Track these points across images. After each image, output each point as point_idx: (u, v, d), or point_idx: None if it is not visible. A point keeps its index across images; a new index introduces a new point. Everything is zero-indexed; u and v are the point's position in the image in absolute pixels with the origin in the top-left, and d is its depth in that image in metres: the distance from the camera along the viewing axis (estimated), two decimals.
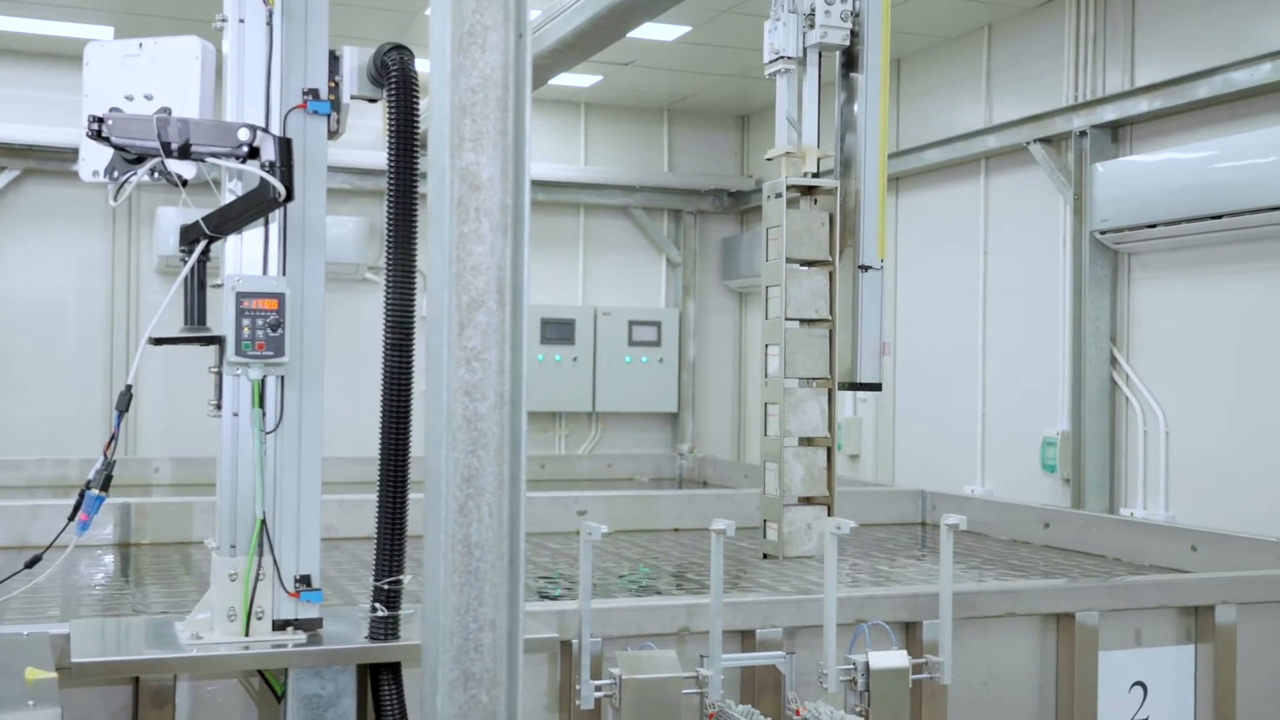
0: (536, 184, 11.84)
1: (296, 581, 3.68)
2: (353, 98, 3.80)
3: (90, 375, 11.32)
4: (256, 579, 3.62)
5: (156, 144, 3.39)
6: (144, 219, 11.47)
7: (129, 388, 3.54)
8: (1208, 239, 7.75)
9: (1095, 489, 8.44)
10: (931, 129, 10.18)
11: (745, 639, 4.45)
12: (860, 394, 10.12)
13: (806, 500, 5.07)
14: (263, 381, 3.64)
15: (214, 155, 3.45)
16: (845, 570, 5.96)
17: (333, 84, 3.75)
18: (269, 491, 3.65)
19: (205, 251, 3.62)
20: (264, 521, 3.63)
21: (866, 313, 5.59)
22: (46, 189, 11.15)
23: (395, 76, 3.59)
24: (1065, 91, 8.90)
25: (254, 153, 3.44)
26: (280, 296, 3.58)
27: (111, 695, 3.78)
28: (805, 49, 5.71)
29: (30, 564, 3.67)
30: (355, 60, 3.78)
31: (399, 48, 3.64)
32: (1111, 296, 8.54)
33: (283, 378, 3.67)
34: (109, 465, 3.51)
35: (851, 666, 4.32)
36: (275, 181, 3.42)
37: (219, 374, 3.68)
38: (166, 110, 3.57)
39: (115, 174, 3.57)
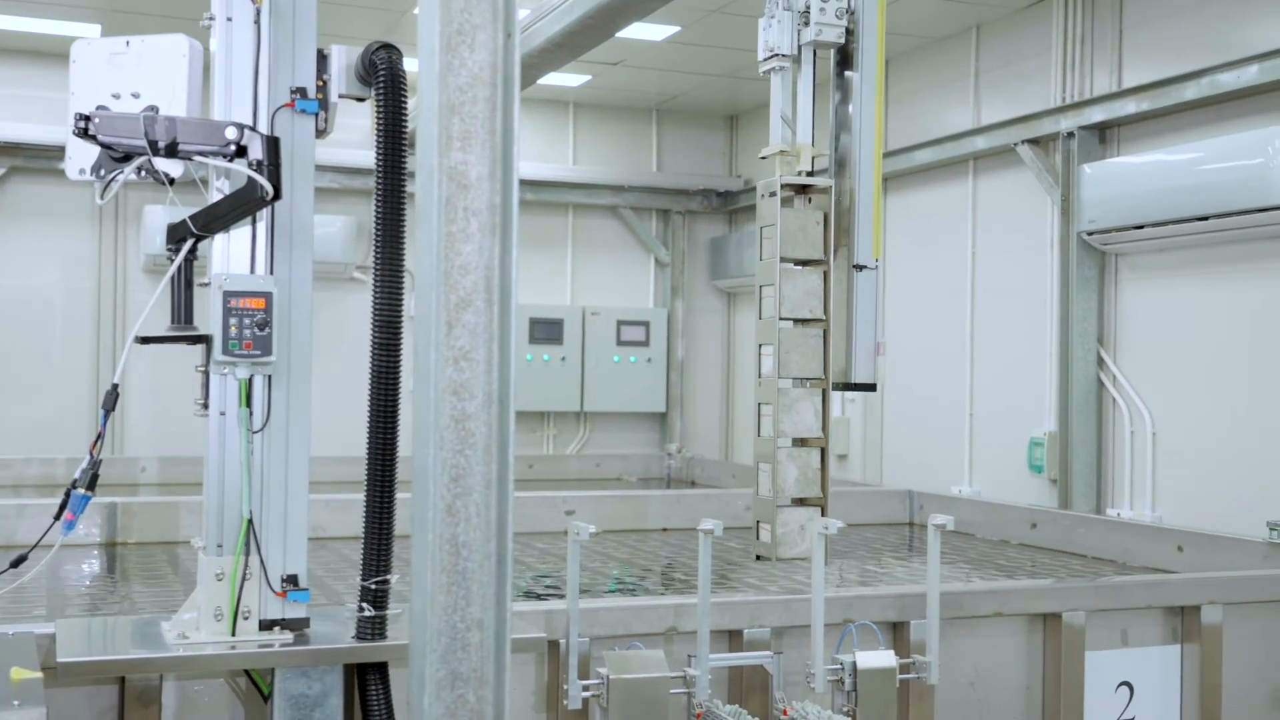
0: (525, 183, 11.83)
1: (283, 581, 3.67)
2: (341, 96, 3.79)
3: (77, 374, 11.29)
4: (243, 578, 3.61)
5: (144, 142, 3.38)
6: (131, 217, 11.44)
7: (116, 386, 3.53)
8: (1195, 240, 7.78)
9: (1082, 489, 8.46)
10: (920, 130, 10.20)
11: (733, 639, 4.45)
12: (848, 394, 10.12)
13: (800, 501, 5.05)
14: (250, 381, 3.63)
15: (201, 154, 3.45)
16: (833, 570, 5.97)
17: (321, 83, 3.75)
18: (256, 491, 3.64)
19: (192, 250, 3.61)
20: (251, 521, 3.62)
21: (861, 312, 5.57)
22: (33, 187, 11.12)
23: (383, 75, 3.58)
24: (1053, 93, 8.93)
25: (241, 151, 3.44)
26: (267, 295, 3.57)
27: (97, 695, 3.77)
28: (800, 46, 5.69)
29: (16, 563, 3.66)
30: (343, 59, 3.78)
31: (387, 46, 3.64)
32: (1099, 297, 8.56)
33: (270, 377, 3.67)
34: (95, 464, 3.50)
35: (839, 666, 4.33)
36: (263, 180, 3.42)
37: (206, 373, 3.67)
38: (154, 108, 3.56)
39: (102, 172, 3.56)
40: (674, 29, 10.14)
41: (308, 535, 3.75)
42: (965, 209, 9.94)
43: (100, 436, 3.50)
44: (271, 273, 3.67)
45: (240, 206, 3.53)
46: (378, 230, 3.59)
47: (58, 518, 3.49)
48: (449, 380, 2.63)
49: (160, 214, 10.82)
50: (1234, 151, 7.26)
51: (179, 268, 3.61)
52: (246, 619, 3.62)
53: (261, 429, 3.66)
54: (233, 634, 3.60)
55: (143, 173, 3.51)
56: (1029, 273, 9.21)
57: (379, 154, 3.57)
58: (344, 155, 11.03)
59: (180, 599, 4.29)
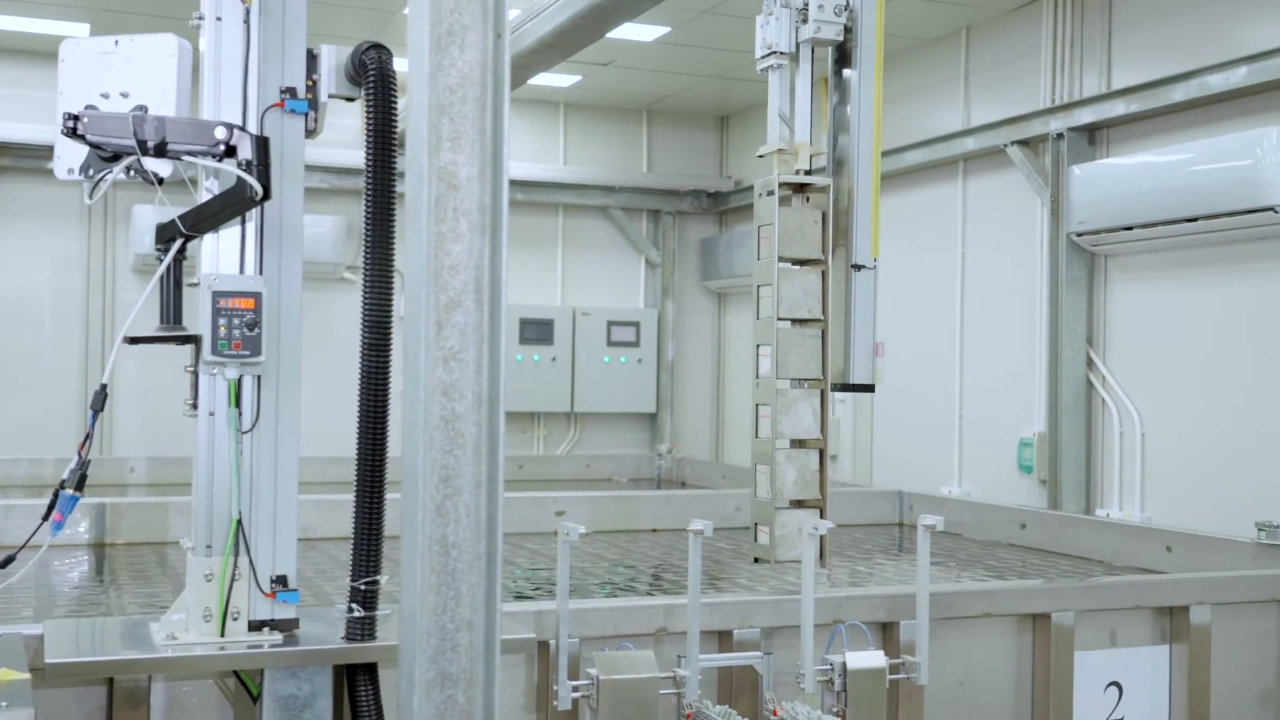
0: (515, 184, 11.82)
1: (273, 582, 3.66)
2: (330, 96, 3.78)
3: (65, 374, 11.26)
4: (232, 579, 3.61)
5: (132, 142, 3.37)
6: (120, 217, 11.41)
7: (104, 387, 3.52)
8: (1184, 241, 7.80)
9: (1071, 490, 8.48)
10: (910, 131, 10.21)
11: (723, 639, 4.45)
12: (838, 394, 10.13)
13: (798, 503, 5.03)
14: (239, 381, 3.63)
15: (190, 154, 3.44)
16: (822, 571, 5.97)
17: (310, 82, 3.74)
18: (245, 491, 3.64)
19: (181, 250, 3.60)
20: (240, 522, 3.61)
21: (859, 313, 5.54)
22: (21, 187, 11.08)
23: (373, 75, 3.57)
24: (1043, 94, 8.95)
25: (231, 151, 3.43)
26: (257, 296, 3.57)
27: (86, 696, 3.76)
28: (798, 44, 5.66)
29: (4, 564, 3.64)
30: (333, 59, 3.77)
31: (377, 46, 3.63)
32: (1088, 298, 8.58)
33: (259, 377, 3.66)
34: (84, 465, 3.49)
35: (829, 667, 4.33)
36: (252, 180, 3.41)
37: (195, 373, 3.66)
38: (143, 108, 3.55)
39: (91, 172, 3.55)
40: (664, 29, 10.14)
41: (297, 536, 3.74)
42: (955, 210, 9.96)
43: (89, 437, 3.49)
44: (261, 273, 3.66)
45: (230, 206, 3.52)
46: (367, 230, 3.58)
47: (46, 518, 3.48)
48: (439, 380, 2.62)
49: (149, 214, 10.79)
50: (1223, 153, 7.28)
51: (168, 268, 3.60)
52: (235, 620, 3.61)
53: (251, 429, 3.65)
54: (222, 635, 3.59)
55: (132, 172, 3.50)
56: (1018, 274, 9.23)
57: (369, 154, 3.57)
58: (334, 155, 11.02)
59: (169, 600, 4.28)
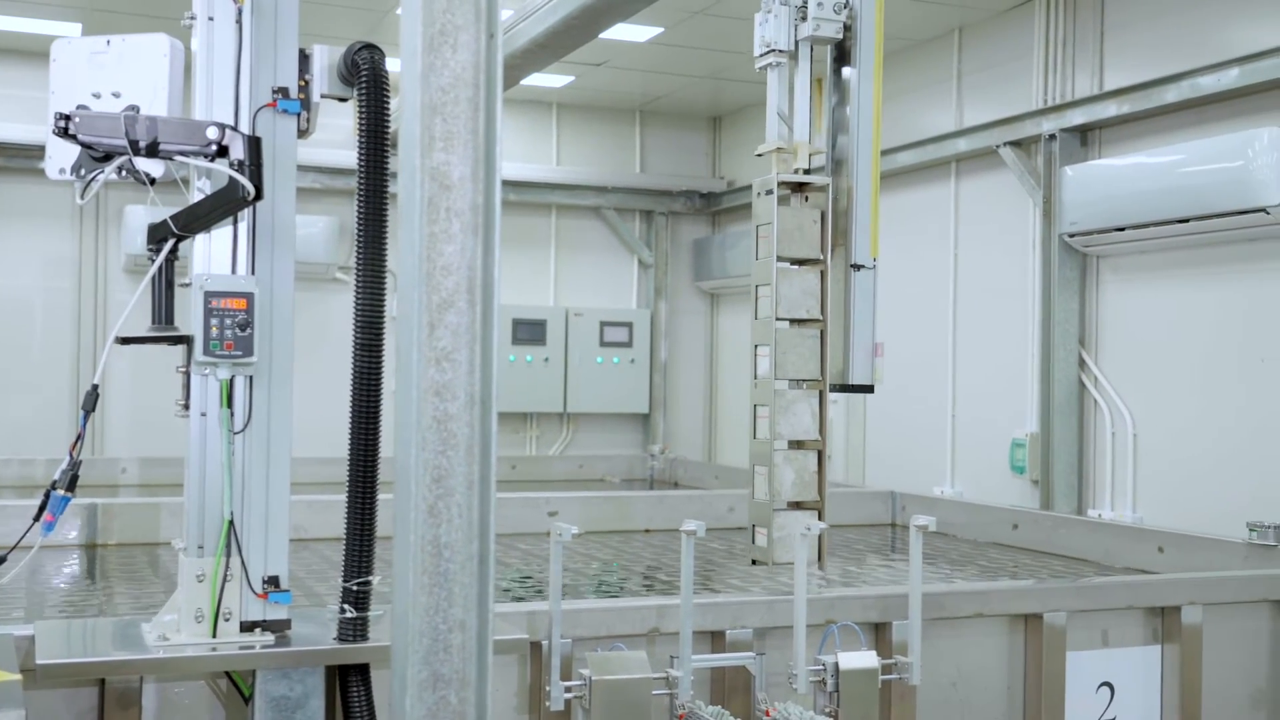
0: (508, 184, 11.82)
1: (265, 583, 3.66)
2: (323, 96, 3.78)
3: (57, 374, 11.23)
4: (224, 580, 3.60)
5: (124, 142, 3.37)
6: (111, 217, 11.38)
7: (96, 387, 3.51)
8: (1176, 242, 7.81)
9: (1064, 490, 8.49)
10: (902, 132, 10.22)
11: (715, 640, 4.45)
12: (831, 395, 10.12)
13: (796, 505, 4.99)
14: (231, 381, 3.62)
15: (182, 154, 3.43)
16: (818, 573, 5.98)
17: (303, 82, 3.73)
18: (237, 492, 3.63)
19: (173, 250, 3.60)
20: (232, 522, 3.61)
21: (859, 313, 5.51)
22: (12, 187, 11.05)
23: (366, 75, 3.57)
24: (1035, 95, 8.96)
25: (223, 151, 3.42)
26: (249, 296, 3.56)
27: (77, 697, 3.75)
28: (797, 42, 5.62)
29: None
30: (325, 59, 3.76)
31: (369, 46, 3.63)
32: (1080, 299, 8.59)
33: (251, 378, 3.65)
34: (75, 465, 3.48)
35: (821, 667, 4.33)
36: (244, 180, 3.40)
37: (187, 374, 3.65)
38: (134, 108, 3.54)
39: (82, 172, 3.54)
40: (657, 30, 10.14)
41: (289, 536, 3.74)
42: (947, 211, 9.97)
43: (80, 437, 3.48)
44: (253, 273, 3.66)
45: (222, 207, 3.52)
46: (360, 231, 3.58)
47: (37, 519, 3.47)
48: (431, 381, 2.62)
49: (141, 214, 10.77)
50: (1214, 154, 7.30)
51: (160, 268, 3.60)
52: (227, 620, 3.61)
53: (243, 430, 3.64)
54: (214, 635, 3.59)
55: (123, 172, 3.50)
56: (1011, 274, 9.24)
57: (361, 154, 3.56)
58: (326, 155, 11.01)
59: (161, 600, 4.27)
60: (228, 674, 3.73)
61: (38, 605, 5.14)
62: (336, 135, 10.39)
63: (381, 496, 3.58)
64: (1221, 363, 7.65)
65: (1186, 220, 7.50)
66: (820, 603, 4.53)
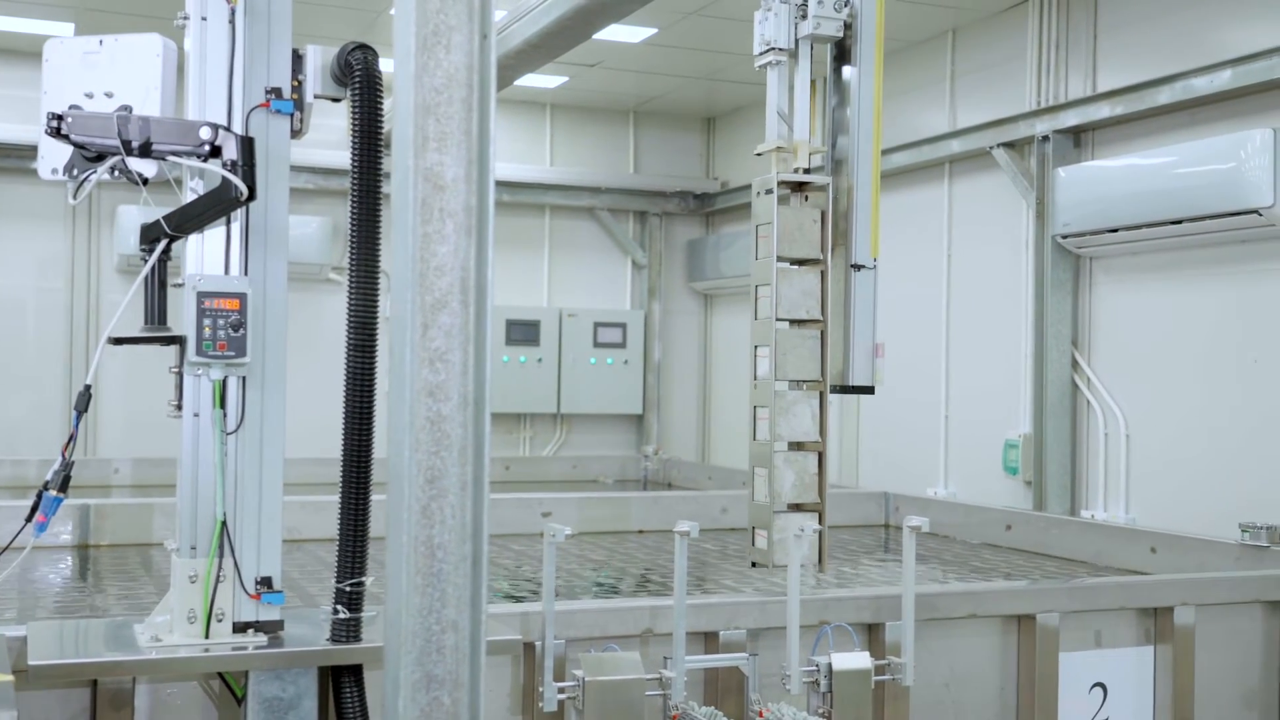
0: (502, 185, 11.81)
1: (257, 583, 3.65)
2: (316, 97, 3.78)
3: (49, 375, 11.21)
4: (217, 581, 3.60)
5: (117, 142, 3.36)
6: (104, 217, 11.37)
7: (88, 387, 3.50)
8: (1168, 244, 7.83)
9: (1056, 491, 8.50)
10: (896, 133, 10.23)
11: (709, 641, 4.45)
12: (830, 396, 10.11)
13: (796, 507, 4.96)
14: (224, 382, 3.61)
15: (175, 154, 3.42)
16: (808, 573, 5.98)
17: (296, 83, 3.73)
18: (230, 493, 3.63)
19: (166, 251, 3.59)
20: (225, 523, 3.60)
21: (859, 313, 5.48)
22: (5, 187, 11.03)
23: (359, 76, 3.57)
24: (1028, 96, 8.97)
25: (216, 151, 3.42)
26: (242, 296, 3.55)
27: (69, 698, 3.75)
28: (797, 40, 5.59)
29: None
30: (319, 59, 3.76)
31: (363, 47, 3.62)
32: (1073, 300, 8.61)
33: (244, 378, 3.65)
34: (67, 466, 3.47)
35: (814, 668, 4.33)
36: (237, 180, 3.40)
37: (180, 374, 3.65)
38: (127, 108, 3.54)
39: (75, 172, 3.53)
40: (651, 31, 10.15)
41: (282, 537, 3.73)
42: (941, 212, 9.98)
43: (73, 438, 3.47)
44: (246, 274, 3.65)
45: (215, 207, 3.51)
46: (353, 231, 3.58)
47: (29, 519, 3.46)
48: (424, 382, 2.62)
49: (134, 214, 10.76)
50: (1207, 155, 7.31)
51: (152, 268, 3.59)
52: (220, 621, 3.60)
53: (235, 430, 3.64)
54: (206, 636, 3.58)
55: (116, 173, 3.49)
56: (1004, 275, 9.25)
57: (354, 155, 3.56)
58: (320, 156, 11.00)
59: (153, 601, 4.26)
60: (220, 675, 3.72)
61: (30, 606, 5.13)
62: (330, 136, 10.40)
63: (374, 497, 3.57)
64: (1214, 364, 7.66)
65: (1179, 222, 7.52)
66: (814, 604, 4.54)
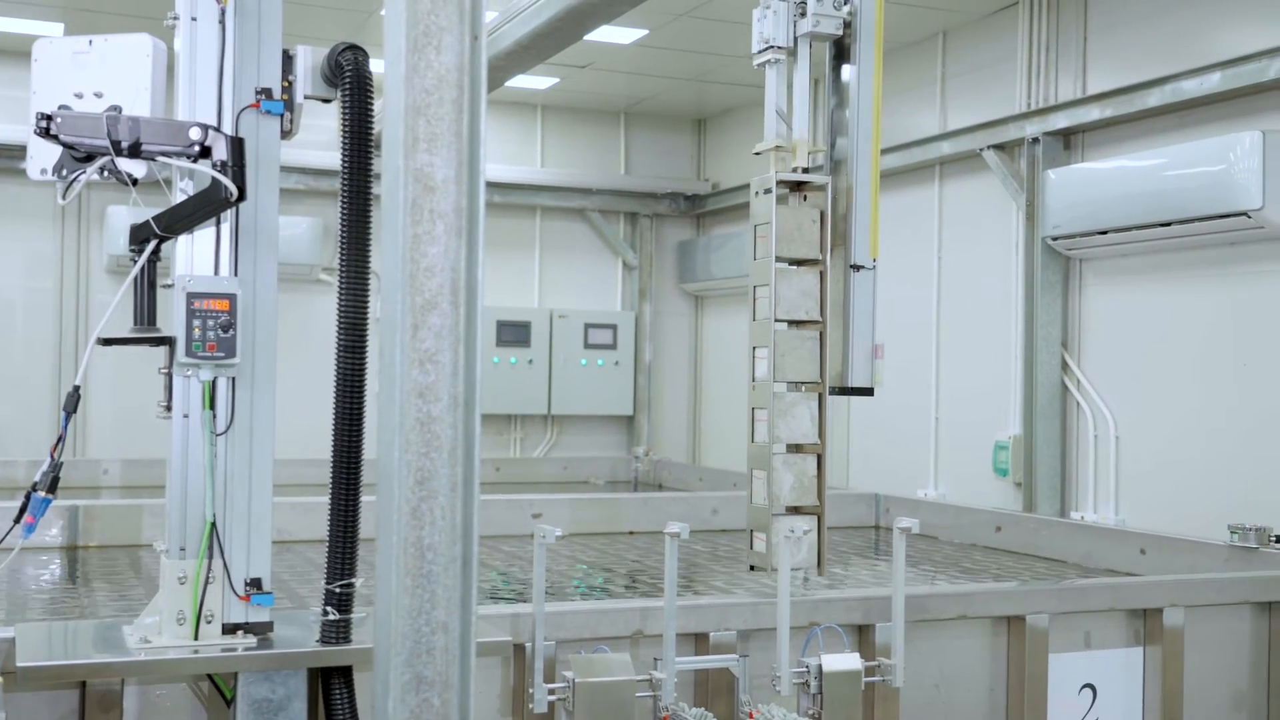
0: (493, 186, 11.80)
1: (247, 585, 3.64)
2: (306, 97, 3.77)
3: (38, 375, 11.18)
4: (206, 582, 3.59)
5: (106, 142, 3.35)
6: (94, 218, 11.34)
7: (77, 388, 3.49)
8: (1158, 246, 7.84)
9: (1046, 492, 8.52)
10: (887, 135, 10.19)
11: (699, 642, 4.45)
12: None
13: (795, 510, 4.93)
14: (214, 383, 3.61)
15: (165, 154, 3.42)
16: (798, 574, 5.98)
17: (286, 83, 3.72)
18: (219, 494, 3.62)
19: (156, 251, 3.58)
20: (214, 524, 3.59)
21: (858, 314, 5.46)
22: None
23: (349, 77, 3.56)
24: (1018, 99, 8.99)
25: (205, 152, 3.41)
26: (231, 297, 3.55)
27: (58, 700, 3.74)
28: (796, 38, 5.55)
29: None
30: (309, 60, 3.75)
31: (353, 48, 3.62)
32: (1063, 302, 8.62)
33: (234, 379, 3.64)
34: (56, 467, 3.46)
35: (804, 669, 4.34)
36: (227, 181, 3.39)
37: (169, 375, 3.64)
38: (117, 108, 3.53)
39: (64, 172, 3.52)
40: (642, 32, 10.15)
41: (272, 538, 3.72)
42: (931, 214, 9.99)
43: (61, 439, 3.46)
44: (236, 274, 3.64)
45: (204, 208, 3.51)
46: (343, 232, 3.57)
47: (18, 520, 3.45)
48: (414, 383, 2.62)
49: (123, 214, 10.73)
50: (1197, 158, 7.33)
51: (142, 269, 3.58)
52: (209, 623, 3.59)
53: (225, 431, 3.63)
54: (195, 638, 3.57)
55: (105, 173, 3.48)
56: (994, 277, 9.26)
57: (345, 156, 3.56)
58: (310, 156, 10.98)
59: (142, 603, 4.25)
60: (210, 676, 3.72)
61: (19, 608, 5.11)
62: (320, 136, 10.37)
63: (365, 499, 3.57)
64: (1203, 366, 7.68)
65: (1169, 224, 7.53)
66: (804, 605, 4.54)
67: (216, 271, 3.63)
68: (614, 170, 13.18)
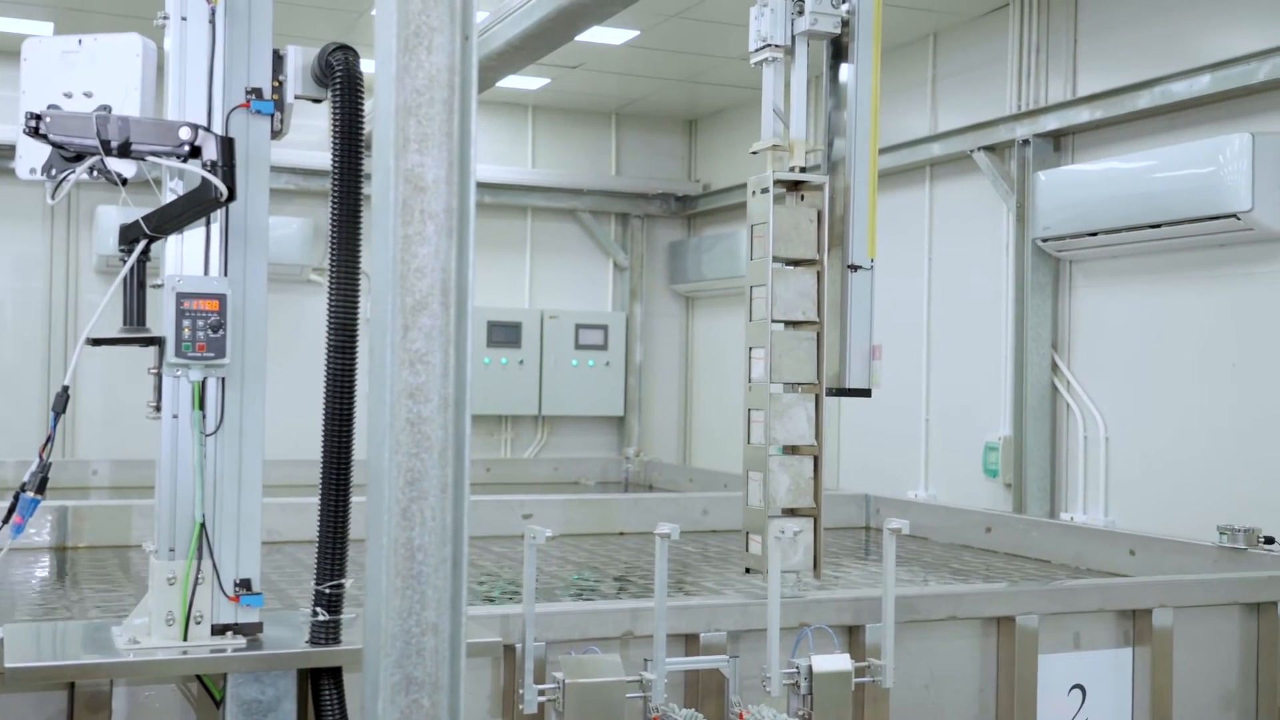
0: (484, 186, 11.80)
1: (236, 585, 3.63)
2: (297, 97, 3.76)
3: (27, 375, 11.15)
4: (195, 583, 3.58)
5: (96, 142, 3.34)
6: (83, 218, 11.31)
7: (66, 388, 3.48)
8: (1148, 248, 7.87)
9: (1036, 493, 8.53)
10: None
11: (689, 643, 4.45)
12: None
13: (791, 512, 4.91)
14: (203, 383, 3.60)
15: (155, 154, 3.41)
16: (788, 575, 5.98)
17: (276, 83, 3.71)
18: (209, 494, 3.61)
19: (145, 251, 3.57)
20: (203, 525, 3.59)
21: (856, 314, 5.43)
22: None
23: (340, 77, 3.56)
24: (1009, 100, 9.01)
25: (195, 152, 3.40)
26: (221, 297, 3.54)
27: (46, 701, 3.72)
28: (793, 37, 5.53)
29: None
30: (299, 60, 3.74)
31: (344, 48, 3.61)
32: (1053, 303, 8.64)
33: (224, 379, 3.63)
34: (45, 467, 3.45)
35: (794, 670, 4.34)
36: (217, 181, 3.38)
37: (158, 375, 3.63)
38: (106, 108, 3.52)
39: (53, 172, 3.51)
40: (633, 33, 10.15)
41: (261, 539, 3.72)
42: (922, 215, 10.01)
43: (50, 439, 3.45)
44: (226, 274, 3.64)
45: (194, 208, 3.50)
46: (334, 232, 3.56)
47: (6, 521, 3.43)
48: (405, 383, 2.61)
49: (113, 214, 10.71)
50: (1186, 160, 7.35)
51: (131, 269, 3.57)
52: (199, 624, 3.59)
53: (215, 432, 3.62)
54: (184, 639, 3.56)
55: (95, 173, 3.47)
56: (984, 279, 9.28)
57: (335, 156, 3.55)
58: (300, 156, 10.97)
59: (131, 603, 4.24)
60: (199, 677, 3.71)
61: (7, 608, 5.10)
62: (310, 136, 10.34)
63: (354, 499, 3.56)
64: (1193, 367, 7.70)
65: (1158, 226, 7.56)
66: (794, 606, 4.54)
67: (206, 272, 3.62)
68: (605, 171, 13.18)
